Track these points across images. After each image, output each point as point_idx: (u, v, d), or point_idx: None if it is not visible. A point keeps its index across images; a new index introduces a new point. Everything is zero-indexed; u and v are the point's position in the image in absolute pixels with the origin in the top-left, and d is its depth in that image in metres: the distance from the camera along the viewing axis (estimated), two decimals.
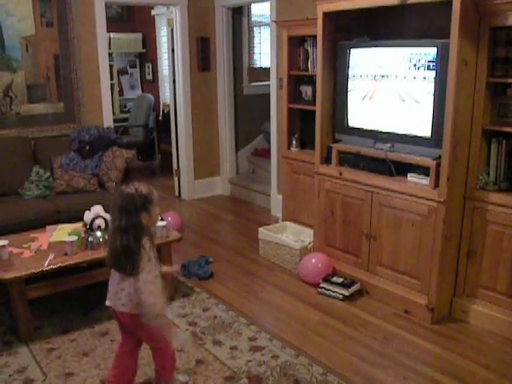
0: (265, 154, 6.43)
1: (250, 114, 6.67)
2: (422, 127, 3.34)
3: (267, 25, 6.01)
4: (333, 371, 2.88)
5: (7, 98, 4.91)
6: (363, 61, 3.68)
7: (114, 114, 6.06)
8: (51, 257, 3.33)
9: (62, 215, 4.33)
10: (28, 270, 3.16)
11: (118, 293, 2.41)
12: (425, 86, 3.29)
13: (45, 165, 4.79)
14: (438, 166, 3.21)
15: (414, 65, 3.33)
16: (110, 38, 7.52)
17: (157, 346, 2.56)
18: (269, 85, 5.51)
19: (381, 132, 3.62)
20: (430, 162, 3.29)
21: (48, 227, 3.87)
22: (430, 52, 3.20)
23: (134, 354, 2.62)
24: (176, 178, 6.48)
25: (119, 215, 2.32)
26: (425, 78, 3.29)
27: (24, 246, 3.53)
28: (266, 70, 5.77)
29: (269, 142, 5.90)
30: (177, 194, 6.50)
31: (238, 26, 6.60)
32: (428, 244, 3.34)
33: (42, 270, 3.19)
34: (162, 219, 3.84)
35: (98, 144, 4.91)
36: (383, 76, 3.55)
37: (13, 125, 4.95)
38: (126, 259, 2.31)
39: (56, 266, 3.23)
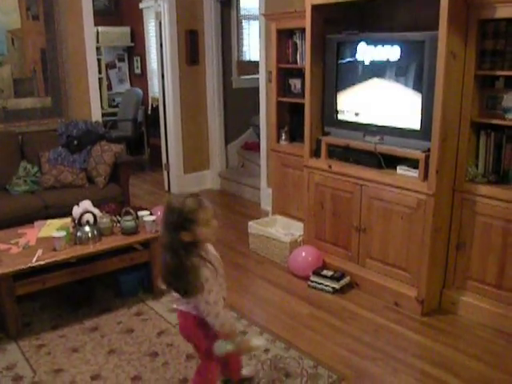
0: (254, 147, 6.41)
1: (240, 108, 6.63)
2: (411, 120, 3.34)
3: (256, 18, 5.98)
4: (323, 364, 2.89)
5: None
6: (351, 53, 3.67)
7: (102, 108, 6.01)
8: (39, 252, 3.31)
9: (51, 210, 4.30)
10: (16, 266, 3.14)
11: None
12: (413, 79, 3.30)
13: (32, 160, 4.75)
14: (427, 158, 3.22)
15: (403, 57, 3.33)
16: (97, 32, 7.44)
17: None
18: (258, 78, 5.49)
19: (370, 125, 3.62)
20: (419, 155, 3.29)
21: (36, 223, 3.83)
22: (419, 44, 3.20)
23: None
24: (165, 172, 6.46)
25: (162, 230, 2.25)
26: (414, 71, 3.29)
27: (12, 241, 3.51)
28: (255, 63, 5.75)
29: (258, 135, 5.88)
30: (166, 188, 6.48)
31: (227, 19, 6.55)
32: (417, 236, 3.35)
33: (31, 266, 3.17)
34: (151, 213, 3.82)
35: (86, 138, 4.87)
36: (372, 68, 3.55)
37: None
38: (176, 279, 2.20)
39: (44, 262, 3.22)
